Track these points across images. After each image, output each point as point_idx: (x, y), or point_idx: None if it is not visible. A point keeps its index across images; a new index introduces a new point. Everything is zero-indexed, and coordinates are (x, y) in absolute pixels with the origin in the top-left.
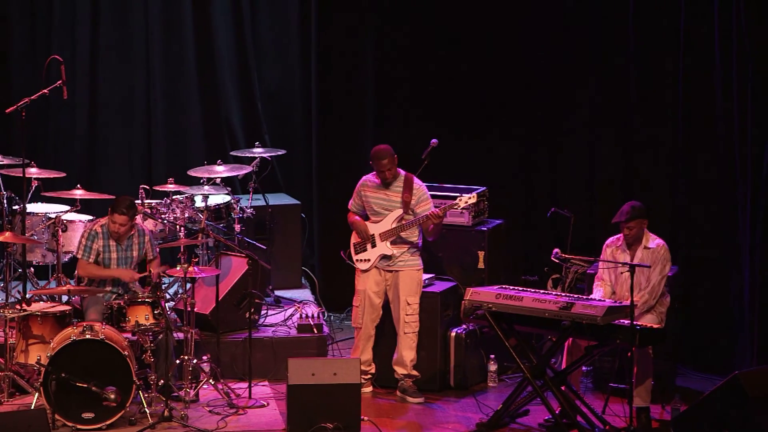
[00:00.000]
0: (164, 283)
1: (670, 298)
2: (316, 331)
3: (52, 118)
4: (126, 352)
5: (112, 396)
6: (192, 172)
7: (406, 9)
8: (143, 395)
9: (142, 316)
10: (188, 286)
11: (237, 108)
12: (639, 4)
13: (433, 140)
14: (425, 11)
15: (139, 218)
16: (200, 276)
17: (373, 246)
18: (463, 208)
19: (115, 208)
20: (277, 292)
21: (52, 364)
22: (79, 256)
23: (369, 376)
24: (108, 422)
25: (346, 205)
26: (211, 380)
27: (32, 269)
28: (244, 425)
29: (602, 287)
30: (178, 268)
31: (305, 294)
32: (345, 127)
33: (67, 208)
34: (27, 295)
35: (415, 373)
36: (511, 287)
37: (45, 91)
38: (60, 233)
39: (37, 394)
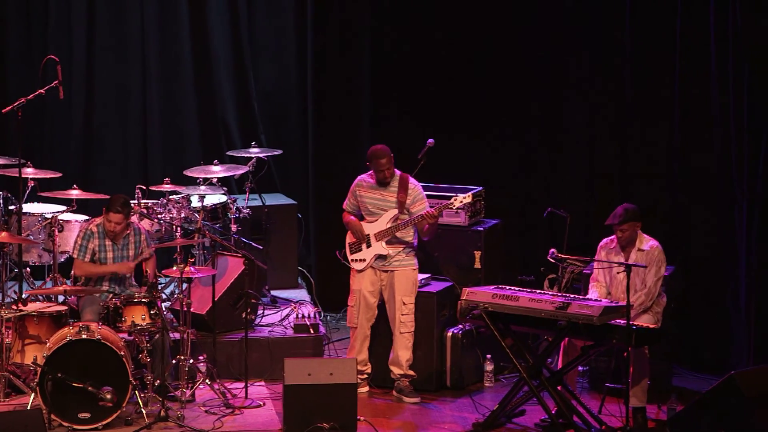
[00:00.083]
0: (161, 283)
1: (666, 298)
2: (312, 331)
3: (48, 118)
4: (122, 352)
5: (109, 396)
6: (188, 172)
7: (403, 9)
8: (139, 395)
9: (138, 316)
10: (184, 286)
11: (233, 108)
12: (636, 4)
13: (430, 140)
14: (422, 11)
15: (135, 218)
16: (196, 276)
17: (369, 246)
18: (458, 208)
19: (110, 207)
20: (274, 292)
21: (49, 364)
22: (75, 256)
23: (365, 376)
24: (104, 422)
25: (342, 206)
26: (207, 380)
27: (28, 269)
28: (240, 425)
29: (597, 288)
30: (174, 268)
31: (301, 294)
32: (341, 127)
33: (64, 208)
34: (23, 295)
35: (411, 372)
36: (508, 287)
37: (41, 91)
38: (56, 233)
39: (33, 394)
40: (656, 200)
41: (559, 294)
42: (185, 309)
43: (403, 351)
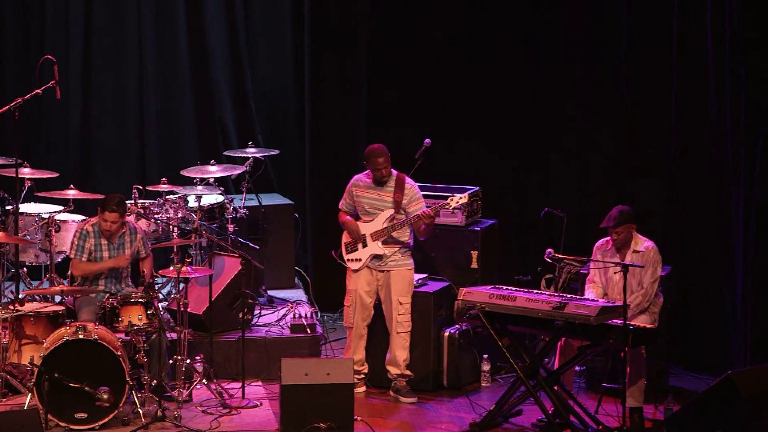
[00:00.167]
0: (157, 284)
1: (663, 298)
2: (309, 331)
3: (45, 118)
4: (119, 353)
5: (105, 396)
6: (185, 172)
7: (401, 8)
8: (136, 395)
9: (135, 316)
10: (181, 286)
11: (230, 108)
12: (632, 6)
13: (426, 140)
14: (420, 11)
15: (132, 217)
16: (193, 276)
17: (365, 246)
18: (454, 208)
19: (106, 206)
20: (270, 292)
21: (45, 364)
22: (72, 256)
23: (362, 375)
24: (101, 422)
25: (338, 205)
26: (204, 380)
27: (25, 269)
28: (237, 425)
29: (594, 290)
30: (171, 268)
31: (298, 294)
32: (338, 127)
33: (60, 208)
34: (20, 296)
35: (408, 372)
36: (505, 287)
37: (38, 91)
38: (53, 233)
39: (30, 394)
40: (653, 201)
41: (556, 294)
42: (182, 309)
43: (400, 351)
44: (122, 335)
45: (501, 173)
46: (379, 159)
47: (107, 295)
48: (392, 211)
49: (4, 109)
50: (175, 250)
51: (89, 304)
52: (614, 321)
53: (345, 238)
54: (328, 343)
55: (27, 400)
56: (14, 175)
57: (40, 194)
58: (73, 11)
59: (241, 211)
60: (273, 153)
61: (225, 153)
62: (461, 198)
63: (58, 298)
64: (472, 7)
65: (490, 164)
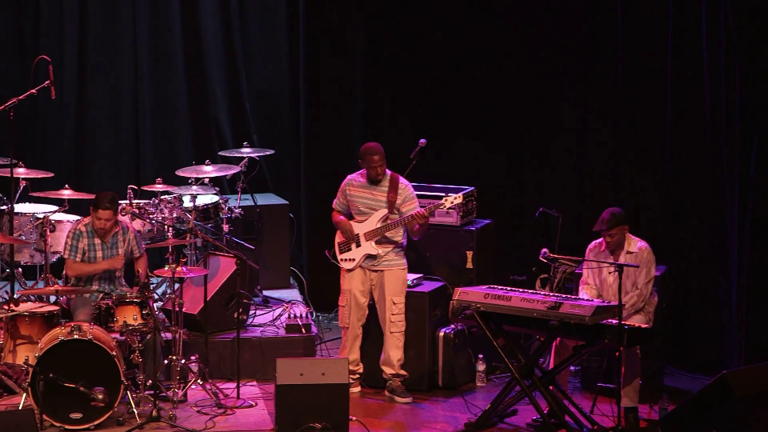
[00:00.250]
0: (152, 284)
1: (657, 297)
2: (304, 331)
3: (40, 118)
4: (114, 353)
5: (100, 396)
6: (180, 172)
7: (396, 9)
8: (131, 395)
9: (130, 316)
10: (176, 286)
11: (225, 108)
12: (628, 7)
13: (422, 140)
14: (415, 12)
15: (127, 217)
16: (188, 276)
17: (358, 245)
18: (449, 208)
19: (99, 204)
20: (266, 292)
21: (40, 364)
22: (66, 256)
23: (357, 375)
24: (96, 422)
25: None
26: (199, 380)
27: (20, 269)
28: (232, 425)
29: (587, 291)
30: (166, 268)
31: (293, 294)
32: (333, 127)
33: (55, 208)
34: (15, 296)
35: (403, 372)
36: (500, 287)
37: (33, 91)
38: (48, 233)
39: (24, 394)
40: (648, 201)
41: (551, 294)
42: (177, 309)
43: (394, 351)
44: (117, 335)
45: (496, 173)
46: (374, 157)
47: (102, 294)
48: (386, 210)
49: None
50: (170, 250)
51: (85, 305)
52: (609, 321)
53: (338, 238)
54: (323, 343)
55: (22, 400)
56: (9, 175)
57: (35, 194)
58: (68, 11)
59: (236, 211)
60: (268, 153)
61: (220, 153)
62: (456, 198)
63: (53, 298)
64: (468, 7)
65: (485, 164)
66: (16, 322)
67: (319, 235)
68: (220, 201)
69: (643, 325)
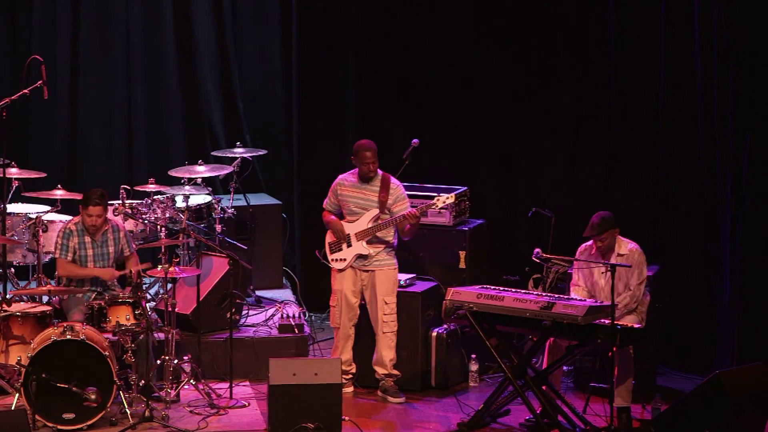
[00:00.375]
0: (145, 284)
1: (650, 297)
2: (297, 331)
3: (32, 119)
4: (107, 353)
5: (93, 396)
6: (173, 172)
7: (389, 9)
8: (124, 395)
9: (123, 316)
10: (169, 286)
11: (218, 108)
12: (621, 8)
13: (414, 140)
14: (409, 12)
15: (120, 218)
16: (181, 276)
17: (349, 245)
18: (441, 208)
19: (89, 201)
20: (258, 292)
21: (33, 364)
22: (57, 256)
23: (350, 376)
24: (89, 423)
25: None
26: (192, 380)
27: (12, 270)
28: (225, 425)
29: (578, 293)
30: (158, 269)
31: (286, 294)
32: (326, 128)
33: (48, 208)
34: (7, 296)
35: (395, 372)
36: (492, 287)
37: (25, 91)
38: (40, 233)
39: (17, 394)
40: (641, 200)
41: (544, 294)
42: (170, 309)
43: (386, 351)
44: (110, 335)
45: (489, 173)
46: (367, 153)
47: (94, 294)
48: (377, 210)
49: None
50: (163, 250)
51: (77, 305)
52: (602, 321)
53: (329, 238)
54: (316, 343)
55: (14, 400)
56: (1, 175)
57: (27, 194)
58: (61, 11)
59: (229, 211)
60: (261, 153)
61: (213, 153)
62: (448, 198)
63: (45, 299)
64: (461, 7)
65: (478, 164)
66: (9, 323)
67: (311, 236)
68: (213, 201)
69: (636, 325)
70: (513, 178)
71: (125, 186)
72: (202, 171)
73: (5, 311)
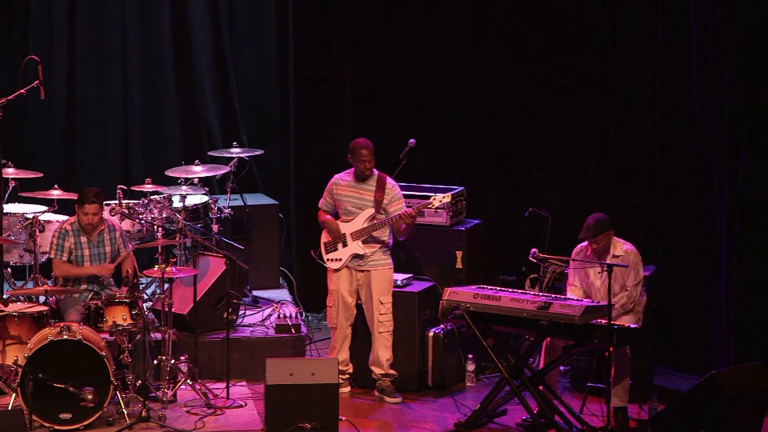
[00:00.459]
0: (142, 284)
1: (646, 297)
2: (293, 331)
3: (29, 119)
4: (103, 353)
5: (90, 396)
6: (170, 172)
7: (386, 9)
8: (121, 396)
9: (119, 316)
10: (166, 286)
11: (215, 108)
12: (616, 4)
13: (411, 140)
14: (406, 11)
15: (116, 218)
16: (178, 276)
17: (345, 245)
18: (437, 208)
19: (85, 199)
20: (255, 292)
21: (30, 364)
22: (52, 256)
23: (347, 376)
24: (85, 423)
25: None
26: (188, 380)
27: (9, 270)
28: (222, 425)
29: (574, 293)
30: (155, 269)
31: (283, 294)
32: (323, 127)
33: (45, 208)
34: (4, 296)
35: (392, 372)
36: (489, 287)
37: (22, 91)
38: (37, 233)
39: (14, 394)
40: (638, 200)
41: (541, 294)
42: (167, 309)
43: (383, 350)
44: (107, 335)
45: (486, 173)
46: (363, 151)
47: (91, 294)
48: (373, 210)
49: None
50: (160, 250)
51: (74, 305)
52: (599, 321)
53: (324, 238)
54: (313, 343)
55: (11, 400)
56: None
57: (24, 194)
58: (57, 11)
59: (226, 211)
60: (257, 153)
61: (209, 153)
62: (444, 197)
63: (42, 299)
64: (458, 8)
65: (475, 164)
66: (6, 323)
67: (308, 235)
68: (210, 201)
69: (633, 325)
70: (510, 178)
71: (122, 186)
72: (198, 171)
73: (2, 311)
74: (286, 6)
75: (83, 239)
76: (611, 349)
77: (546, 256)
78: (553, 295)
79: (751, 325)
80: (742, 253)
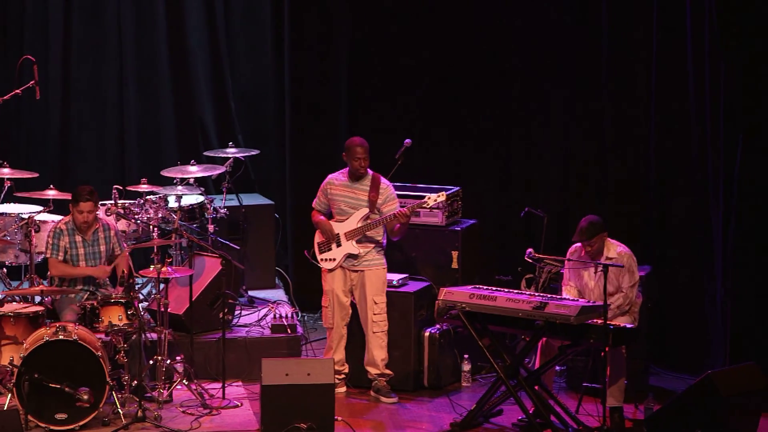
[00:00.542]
0: (138, 284)
1: (642, 297)
2: (289, 332)
3: (24, 119)
4: (99, 353)
5: (85, 397)
6: (165, 173)
7: (382, 9)
8: (116, 396)
9: (115, 316)
10: (161, 286)
11: (210, 108)
12: (612, 5)
13: (407, 140)
14: (401, 11)
15: (112, 218)
16: (174, 276)
17: (339, 245)
18: (432, 207)
19: (79, 198)
20: (251, 293)
21: (25, 364)
22: (48, 256)
23: (342, 376)
24: (81, 423)
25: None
26: (184, 381)
27: (5, 270)
28: (217, 425)
29: (569, 293)
30: (151, 269)
31: (279, 294)
32: (318, 128)
33: (40, 208)
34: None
35: (388, 371)
36: (485, 287)
37: (18, 91)
38: (33, 234)
39: (9, 395)
40: (633, 200)
41: (537, 294)
42: (162, 309)
43: (377, 350)
44: (102, 335)
45: (482, 173)
46: (358, 149)
47: (87, 294)
48: (367, 210)
49: None
50: (156, 250)
51: (70, 305)
52: (595, 321)
53: (318, 238)
54: (309, 344)
55: (7, 400)
56: None
57: (19, 194)
58: (53, 11)
59: (222, 211)
60: (253, 153)
61: (205, 153)
62: (438, 197)
63: (38, 299)
64: (455, 5)
65: (470, 164)
66: (1, 323)
67: (304, 236)
68: (206, 201)
69: (629, 325)
70: (505, 178)
71: (117, 186)
72: (194, 171)
73: None
74: (282, 6)
75: (78, 238)
76: (607, 349)
77: (542, 256)
78: (548, 295)
79: (747, 326)
80: (738, 253)
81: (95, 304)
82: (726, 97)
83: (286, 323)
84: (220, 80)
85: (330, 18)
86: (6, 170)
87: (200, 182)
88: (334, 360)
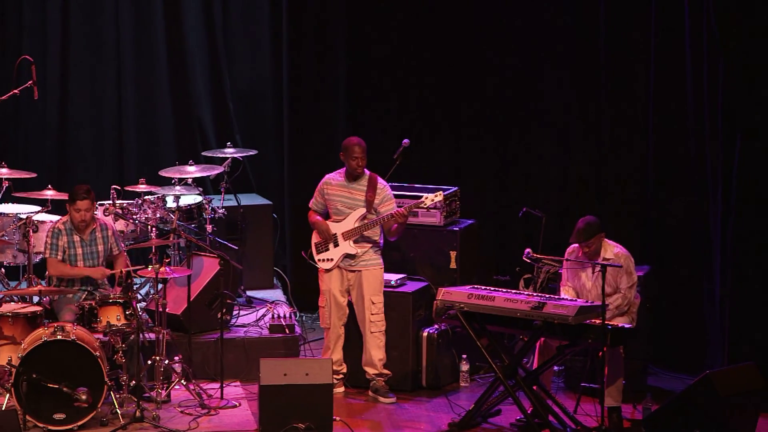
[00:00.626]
0: (136, 284)
1: (640, 297)
2: (288, 332)
3: (22, 119)
4: (97, 353)
5: (84, 397)
6: (163, 173)
7: (379, 9)
8: (115, 396)
9: (113, 316)
10: (160, 286)
11: (208, 108)
12: (611, 4)
13: (405, 140)
14: (398, 11)
15: (110, 218)
16: (172, 276)
17: (336, 245)
18: (429, 207)
19: (76, 196)
20: (249, 293)
21: (23, 364)
22: (47, 256)
23: (341, 376)
24: (79, 423)
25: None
26: (182, 381)
27: (3, 270)
28: (216, 426)
29: (567, 293)
30: (149, 269)
31: (277, 294)
32: (317, 128)
33: (38, 208)
34: None
35: (386, 371)
36: (483, 287)
37: (16, 91)
38: (31, 234)
39: (8, 395)
40: (631, 201)
41: (535, 294)
42: (160, 309)
43: (375, 350)
44: (100, 336)
45: (480, 173)
46: (356, 148)
47: (85, 294)
48: (364, 210)
49: None
50: (154, 250)
51: (68, 305)
52: (593, 321)
53: (315, 238)
54: (307, 344)
55: (5, 400)
56: None
57: (17, 194)
58: (51, 12)
59: (220, 211)
60: (251, 153)
61: (203, 153)
62: (435, 196)
63: (36, 299)
64: (451, 5)
65: (468, 164)
66: None
67: (302, 236)
68: (204, 201)
69: (627, 325)
70: (504, 178)
71: (116, 186)
72: (192, 171)
73: None
74: (280, 6)
75: (76, 238)
76: (605, 349)
77: (540, 256)
78: (547, 295)
79: (745, 326)
80: (736, 253)
81: (93, 304)
82: (724, 97)
83: (284, 323)
84: (219, 80)
85: (328, 18)
86: (4, 170)
87: (198, 182)
88: (333, 360)
